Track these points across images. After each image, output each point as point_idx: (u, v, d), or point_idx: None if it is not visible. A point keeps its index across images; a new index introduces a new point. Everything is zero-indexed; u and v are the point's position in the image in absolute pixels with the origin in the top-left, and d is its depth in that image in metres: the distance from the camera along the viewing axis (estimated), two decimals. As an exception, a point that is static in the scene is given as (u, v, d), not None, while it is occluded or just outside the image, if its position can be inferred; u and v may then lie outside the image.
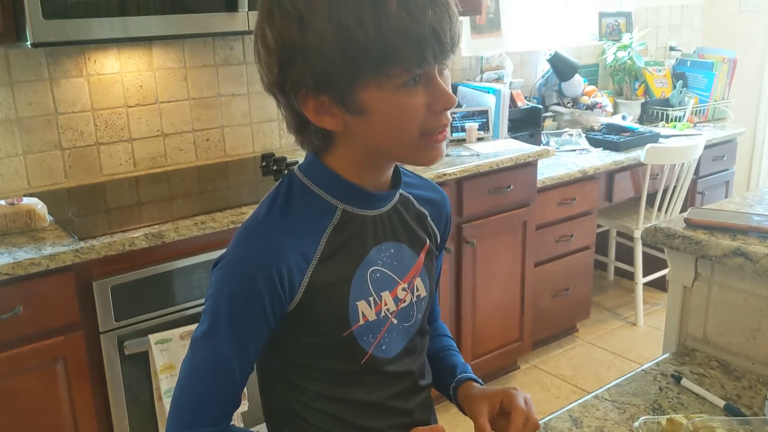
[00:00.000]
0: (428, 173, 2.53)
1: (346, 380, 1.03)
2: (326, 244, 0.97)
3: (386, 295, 1.03)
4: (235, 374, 0.95)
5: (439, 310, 1.28)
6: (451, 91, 0.92)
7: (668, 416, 1.07)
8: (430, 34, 0.85)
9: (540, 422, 1.11)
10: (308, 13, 0.85)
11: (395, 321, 1.04)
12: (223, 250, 0.97)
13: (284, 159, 2.58)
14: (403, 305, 1.05)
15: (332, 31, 0.84)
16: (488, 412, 1.03)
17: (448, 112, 0.93)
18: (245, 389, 0.99)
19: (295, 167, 1.02)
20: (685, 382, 1.22)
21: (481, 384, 1.12)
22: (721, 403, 1.16)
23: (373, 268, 1.01)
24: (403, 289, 1.05)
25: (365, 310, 1.00)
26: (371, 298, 1.01)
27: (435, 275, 1.14)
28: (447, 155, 2.78)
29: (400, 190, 1.06)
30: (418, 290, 1.08)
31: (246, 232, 0.97)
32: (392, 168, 1.03)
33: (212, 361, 0.95)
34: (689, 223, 1.35)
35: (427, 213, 1.10)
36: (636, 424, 1.07)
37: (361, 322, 1.00)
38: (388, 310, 1.03)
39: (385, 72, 0.87)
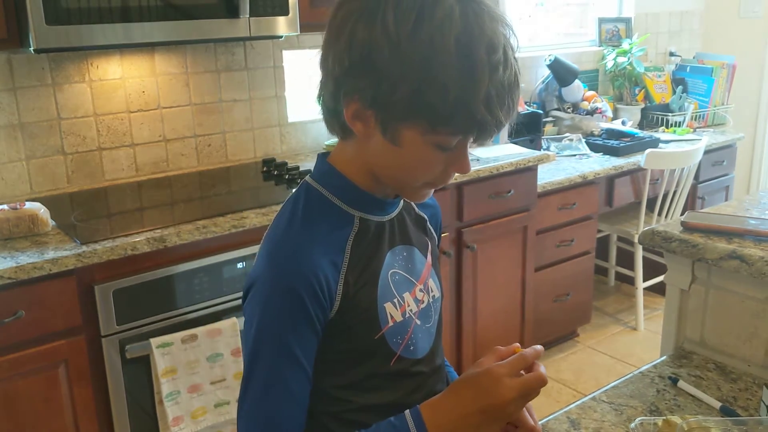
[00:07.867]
0: (428, 178, 2.54)
1: (377, 384, 1.03)
2: (351, 252, 0.98)
3: (407, 296, 1.05)
4: (296, 393, 0.94)
5: None
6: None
7: (664, 417, 1.08)
8: (496, 124, 0.90)
9: (538, 424, 1.11)
10: (406, 45, 0.85)
11: (419, 322, 1.06)
12: (250, 268, 0.97)
13: (285, 164, 2.59)
14: (422, 306, 1.07)
15: (416, 76, 0.85)
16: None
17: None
18: None
19: (308, 177, 1.03)
20: (682, 384, 1.23)
21: None
22: (718, 404, 1.16)
23: (392, 271, 1.03)
24: (420, 290, 1.07)
25: (392, 312, 1.02)
26: (395, 300, 1.03)
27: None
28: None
29: None
30: (432, 291, 1.10)
31: (274, 248, 0.97)
32: None
33: (270, 385, 0.93)
34: (686, 227, 1.36)
35: (426, 217, 1.14)
36: (632, 425, 1.08)
37: (390, 323, 1.01)
38: (411, 310, 1.05)
39: (437, 129, 0.89)
